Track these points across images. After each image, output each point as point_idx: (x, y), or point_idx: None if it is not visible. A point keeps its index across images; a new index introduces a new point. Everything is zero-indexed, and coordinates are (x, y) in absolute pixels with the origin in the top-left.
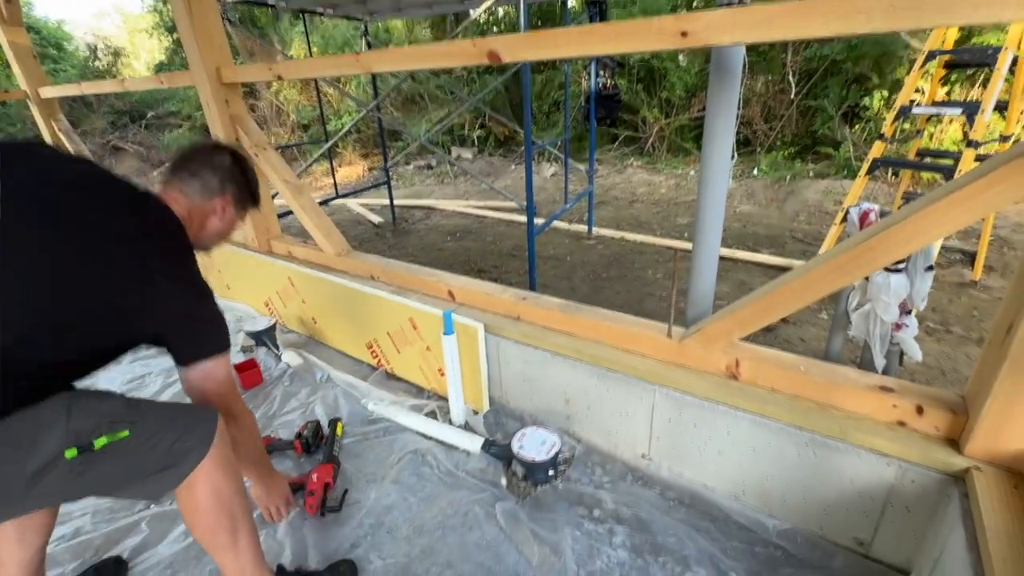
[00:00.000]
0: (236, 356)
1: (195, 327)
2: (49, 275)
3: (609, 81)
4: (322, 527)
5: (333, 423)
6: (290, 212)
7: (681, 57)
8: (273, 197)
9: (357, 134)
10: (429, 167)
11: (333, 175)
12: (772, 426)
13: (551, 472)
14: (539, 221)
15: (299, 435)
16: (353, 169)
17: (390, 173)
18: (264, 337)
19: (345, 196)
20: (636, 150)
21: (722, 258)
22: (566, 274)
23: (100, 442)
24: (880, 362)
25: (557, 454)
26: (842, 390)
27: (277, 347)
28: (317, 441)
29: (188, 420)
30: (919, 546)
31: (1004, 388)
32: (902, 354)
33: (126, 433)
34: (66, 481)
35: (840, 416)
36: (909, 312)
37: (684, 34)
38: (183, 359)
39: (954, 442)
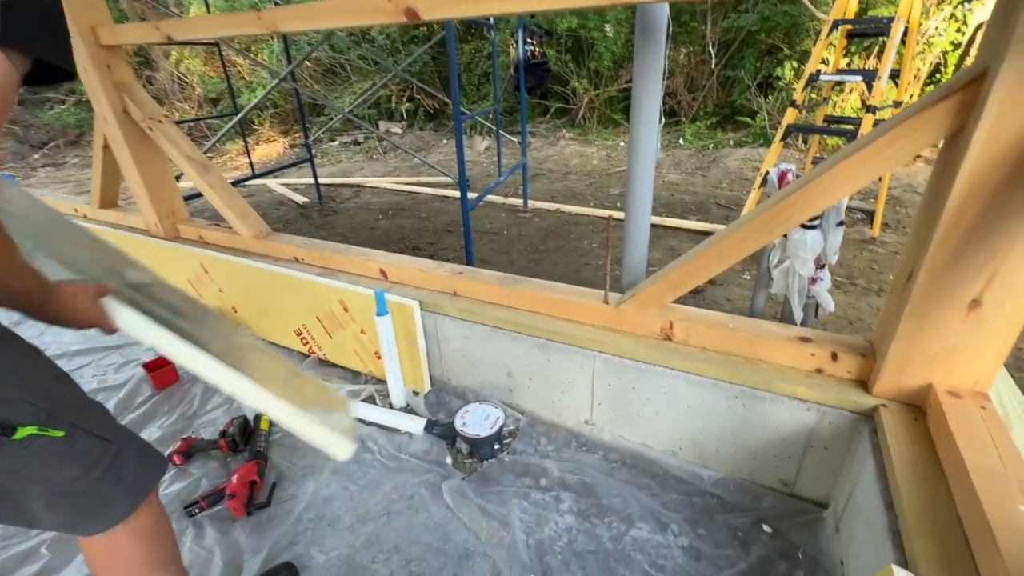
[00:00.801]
0: (145, 354)
1: None
2: None
3: (537, 50)
4: (256, 528)
5: (257, 418)
6: (199, 194)
7: (607, 27)
8: (178, 178)
9: (275, 109)
10: (356, 143)
11: (248, 153)
12: (704, 382)
13: (496, 446)
14: (473, 196)
15: (224, 433)
16: (272, 147)
17: (313, 150)
18: None
19: (263, 176)
20: (568, 122)
21: (653, 226)
22: (504, 248)
23: (23, 431)
24: (799, 315)
25: (501, 428)
26: (766, 343)
27: None
28: (246, 438)
29: (140, 455)
30: (836, 481)
31: (906, 331)
32: (817, 306)
33: (61, 434)
34: None
35: (766, 368)
36: (823, 266)
37: None
38: None
39: (864, 383)
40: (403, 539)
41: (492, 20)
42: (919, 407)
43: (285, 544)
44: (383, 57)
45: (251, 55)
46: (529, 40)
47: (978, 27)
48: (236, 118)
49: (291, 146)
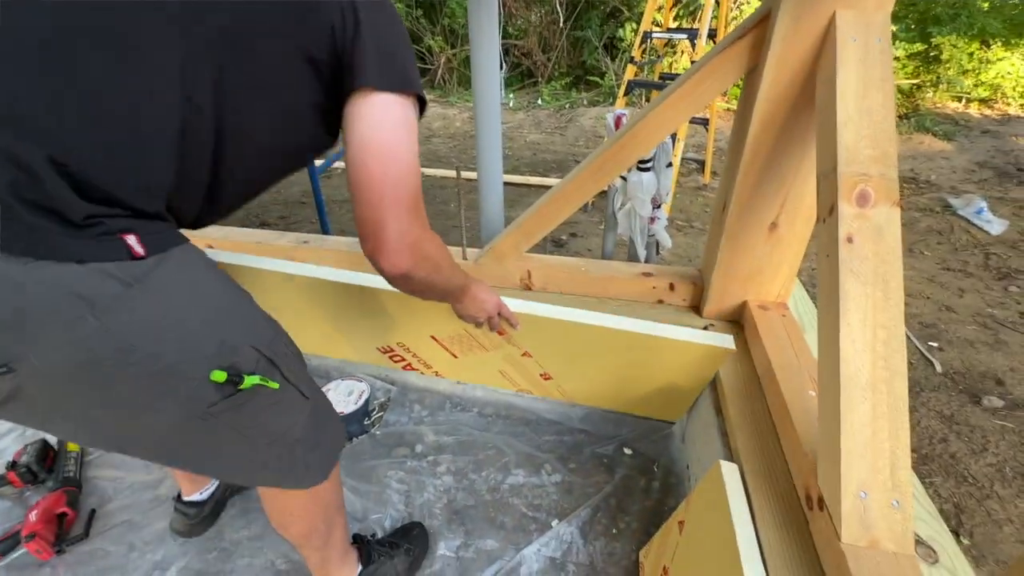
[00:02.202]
0: None
1: None
2: None
3: None
4: (74, 566)
5: (61, 440)
6: None
7: None
8: None
9: None
10: None
11: None
12: None
13: (366, 421)
14: (320, 162)
15: (13, 464)
16: None
17: None
18: None
19: None
20: (427, 83)
21: (516, 184)
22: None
23: (252, 380)
24: (642, 253)
25: (367, 401)
26: (616, 282)
27: None
28: (47, 466)
29: (331, 421)
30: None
31: (724, 258)
32: (658, 244)
33: (276, 385)
34: (183, 411)
35: (616, 304)
36: (659, 206)
37: None
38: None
39: (697, 308)
40: (266, 540)
41: None
42: (739, 323)
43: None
44: None
45: None
46: None
47: None
48: None
49: None
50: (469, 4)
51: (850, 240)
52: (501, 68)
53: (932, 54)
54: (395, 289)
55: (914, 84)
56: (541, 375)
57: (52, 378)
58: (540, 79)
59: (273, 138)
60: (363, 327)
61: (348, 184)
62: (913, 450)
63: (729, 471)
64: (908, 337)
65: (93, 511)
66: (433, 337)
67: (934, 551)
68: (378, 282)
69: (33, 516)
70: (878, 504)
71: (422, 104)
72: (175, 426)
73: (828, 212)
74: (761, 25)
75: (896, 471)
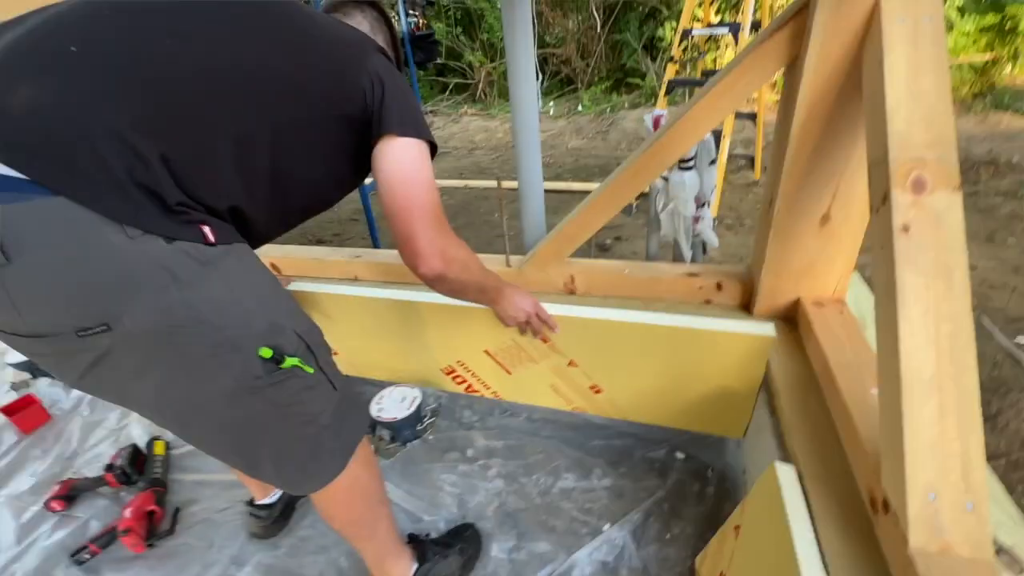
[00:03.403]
0: (6, 395)
1: None
2: None
3: (421, 21)
4: (164, 559)
5: (151, 442)
6: None
7: None
8: None
9: None
10: None
11: None
12: None
13: (418, 427)
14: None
15: (110, 466)
16: None
17: None
18: None
19: None
20: (468, 97)
21: (559, 191)
22: None
23: (291, 362)
24: (688, 253)
25: (420, 407)
26: (661, 283)
27: None
28: (138, 468)
29: (354, 413)
30: None
31: (773, 253)
32: (704, 244)
33: (311, 370)
34: (236, 382)
35: (662, 306)
36: (703, 205)
37: None
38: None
39: (747, 307)
40: (329, 539)
41: None
42: (792, 320)
43: (200, 569)
44: None
45: None
46: (411, 12)
47: None
48: None
49: None
50: (504, 16)
51: (906, 229)
52: (538, 77)
53: (1007, 26)
54: (451, 303)
55: (989, 60)
56: (591, 387)
57: (138, 340)
58: (580, 85)
59: (311, 171)
60: (424, 346)
61: (383, 209)
62: (1000, 455)
63: (785, 472)
64: (992, 333)
65: (177, 509)
66: (487, 351)
67: (1019, 560)
68: (432, 297)
69: (128, 513)
70: (949, 506)
71: (433, 148)
72: (229, 397)
73: (881, 201)
74: (801, 14)
75: (969, 472)
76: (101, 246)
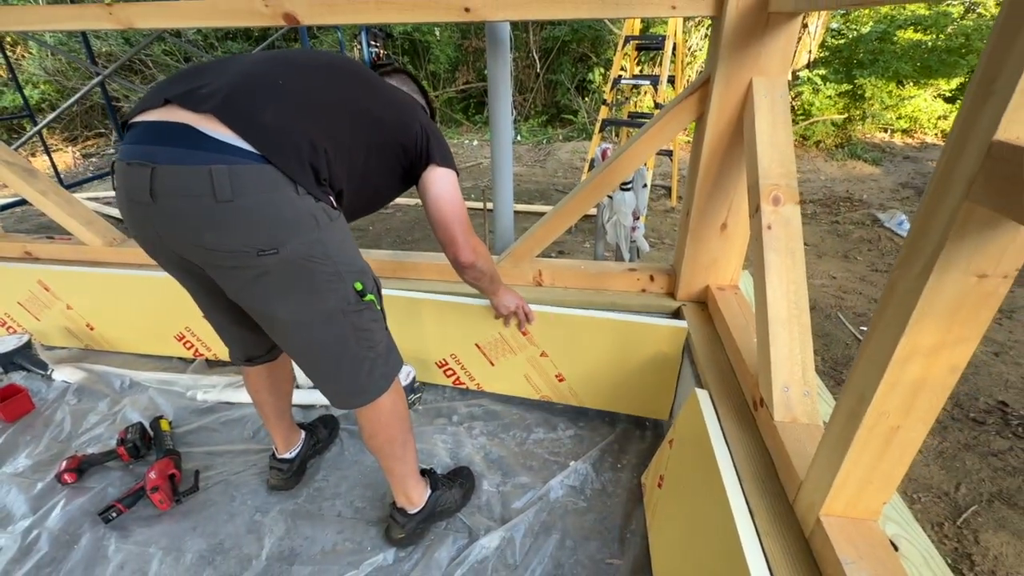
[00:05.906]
0: None
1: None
2: None
3: (382, 51)
4: (191, 512)
5: (156, 421)
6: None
7: (436, 30)
8: None
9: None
10: None
11: (52, 164)
12: None
13: (410, 397)
14: None
15: (122, 440)
16: (59, 157)
17: None
18: (17, 359)
19: (72, 187)
20: None
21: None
22: (373, 242)
23: (369, 297)
24: (627, 256)
25: (413, 380)
26: (609, 276)
27: (43, 366)
28: (147, 443)
29: (394, 351)
30: None
31: (689, 252)
32: (638, 250)
33: (379, 308)
34: (337, 304)
35: (610, 294)
36: (638, 218)
37: (467, 10)
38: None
39: (671, 294)
40: (342, 487)
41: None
42: (703, 302)
43: (227, 518)
44: (195, 54)
45: (10, 49)
46: (373, 42)
47: None
48: (46, 120)
49: (85, 155)
50: (488, 63)
51: (769, 227)
52: (513, 114)
53: (858, 92)
54: (457, 301)
55: (845, 118)
56: (556, 376)
57: (289, 264)
58: (519, 117)
59: (378, 179)
60: (421, 341)
61: (430, 222)
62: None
63: (703, 395)
64: (843, 322)
65: (197, 472)
66: (477, 345)
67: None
68: (432, 295)
69: (153, 475)
70: (795, 395)
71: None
72: (328, 315)
73: (755, 210)
74: (704, 86)
75: (806, 372)
76: (285, 195)
